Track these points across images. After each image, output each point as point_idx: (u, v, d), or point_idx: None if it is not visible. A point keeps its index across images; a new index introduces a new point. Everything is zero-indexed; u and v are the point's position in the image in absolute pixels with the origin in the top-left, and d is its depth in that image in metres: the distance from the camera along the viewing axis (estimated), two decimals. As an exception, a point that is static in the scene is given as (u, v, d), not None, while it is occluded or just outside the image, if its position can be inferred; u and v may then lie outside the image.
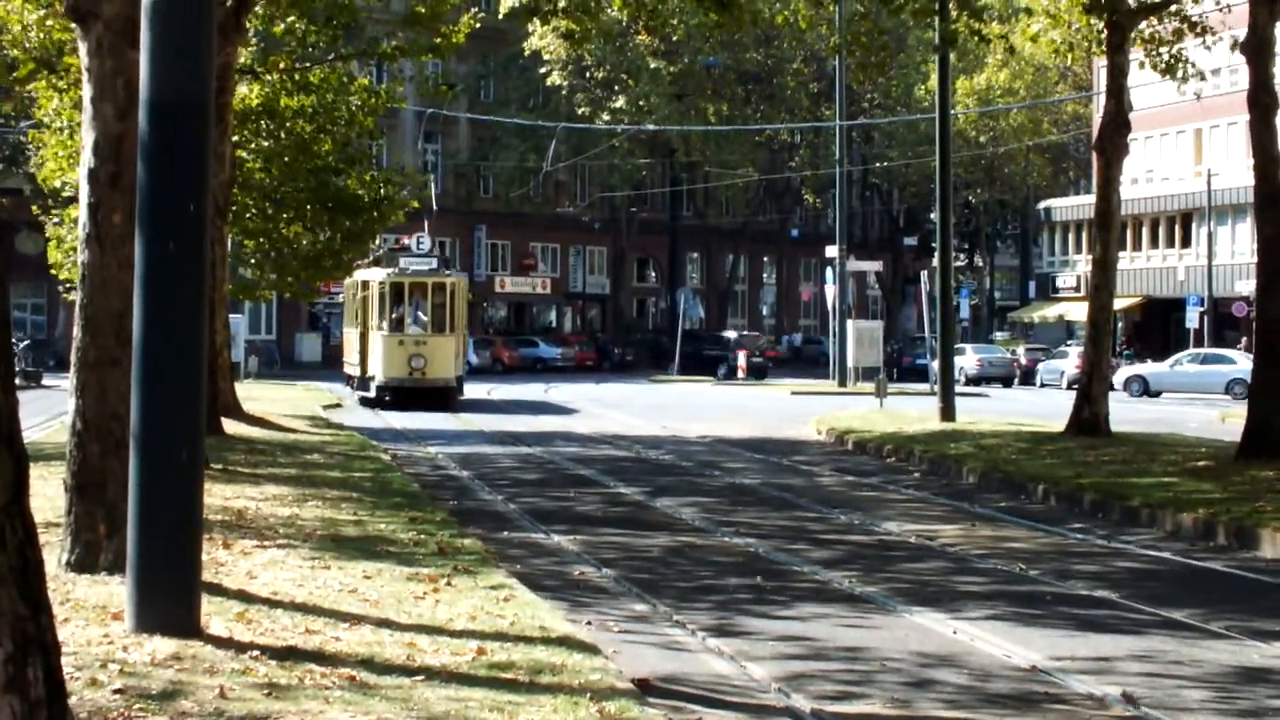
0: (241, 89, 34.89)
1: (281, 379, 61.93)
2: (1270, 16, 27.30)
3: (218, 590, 11.86)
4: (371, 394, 45.10)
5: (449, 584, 12.96)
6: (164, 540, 10.29)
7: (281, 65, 35.14)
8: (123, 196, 12.18)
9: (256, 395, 42.23)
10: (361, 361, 46.91)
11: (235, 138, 33.93)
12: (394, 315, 44.94)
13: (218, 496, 17.90)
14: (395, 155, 54.51)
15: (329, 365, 76.77)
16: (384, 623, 11.17)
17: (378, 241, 49.08)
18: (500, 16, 38.90)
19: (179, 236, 10.24)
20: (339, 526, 16.62)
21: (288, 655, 9.82)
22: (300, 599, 11.97)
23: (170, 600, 10.22)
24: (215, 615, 10.83)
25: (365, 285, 46.98)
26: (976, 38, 30.83)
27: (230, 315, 37.62)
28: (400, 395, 43.91)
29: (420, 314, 45.06)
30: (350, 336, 51.68)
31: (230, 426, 29.34)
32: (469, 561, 14.32)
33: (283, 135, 38.18)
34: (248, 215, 39.58)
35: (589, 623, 12.37)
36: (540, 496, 22.54)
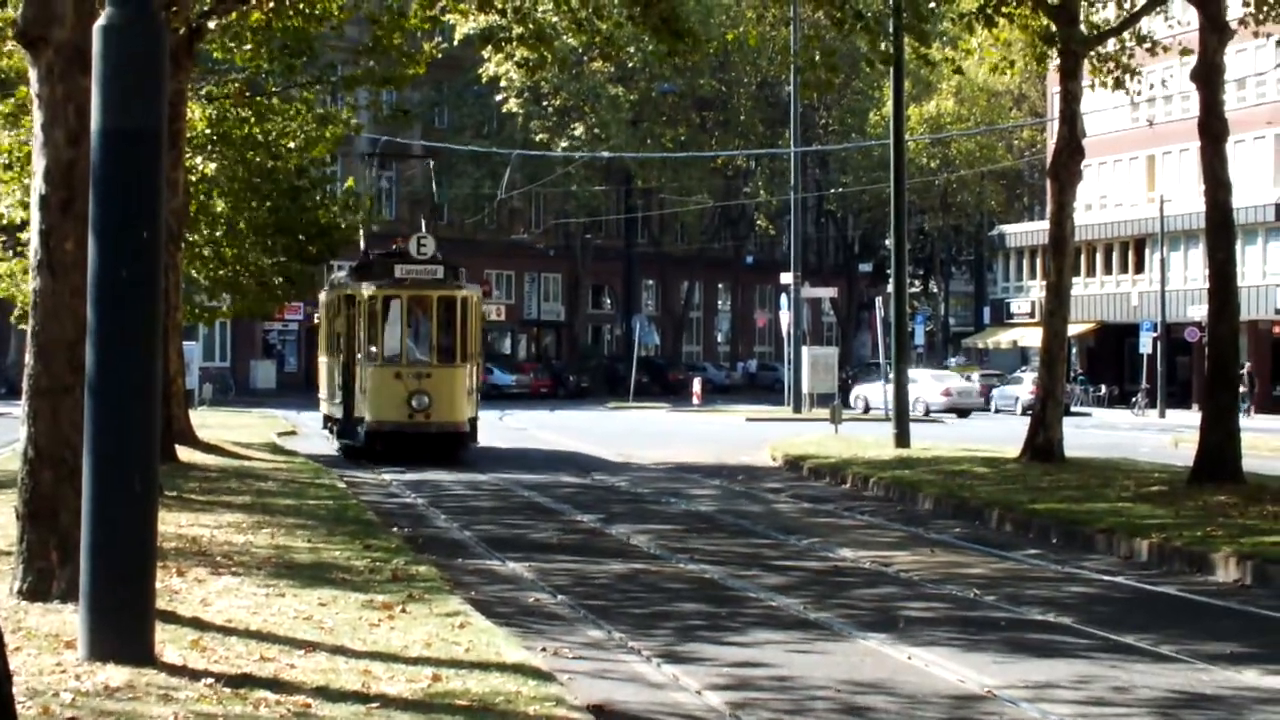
0: (195, 114, 34.79)
1: (236, 406, 61.69)
2: (1220, 44, 27.53)
3: (172, 618, 11.80)
4: (359, 441, 34.93)
5: (404, 611, 12.93)
6: (117, 568, 10.23)
7: (238, 90, 35.09)
8: (75, 223, 12.13)
9: (211, 423, 42.04)
10: (345, 399, 35.95)
11: (189, 165, 33.84)
12: (388, 339, 35.07)
13: (172, 524, 17.82)
14: (350, 180, 54.52)
15: (283, 392, 76.69)
16: (339, 650, 11.13)
17: (363, 243, 43.10)
18: (455, 43, 39.00)
19: (132, 263, 10.21)
20: (294, 554, 16.58)
21: (242, 683, 9.78)
22: (255, 626, 11.92)
23: (124, 628, 10.16)
24: (169, 643, 10.77)
25: (349, 300, 35.91)
26: (925, 63, 30.97)
27: (184, 342, 37.45)
28: (398, 444, 34.15)
29: (423, 337, 35.34)
30: (328, 367, 39.84)
31: (185, 454, 29.23)
32: (424, 588, 14.29)
33: (237, 162, 38.05)
34: (202, 241, 39.44)
35: (544, 649, 12.35)
36: (495, 524, 22.48)
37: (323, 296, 42.51)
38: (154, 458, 10.45)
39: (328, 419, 40.68)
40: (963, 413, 68.72)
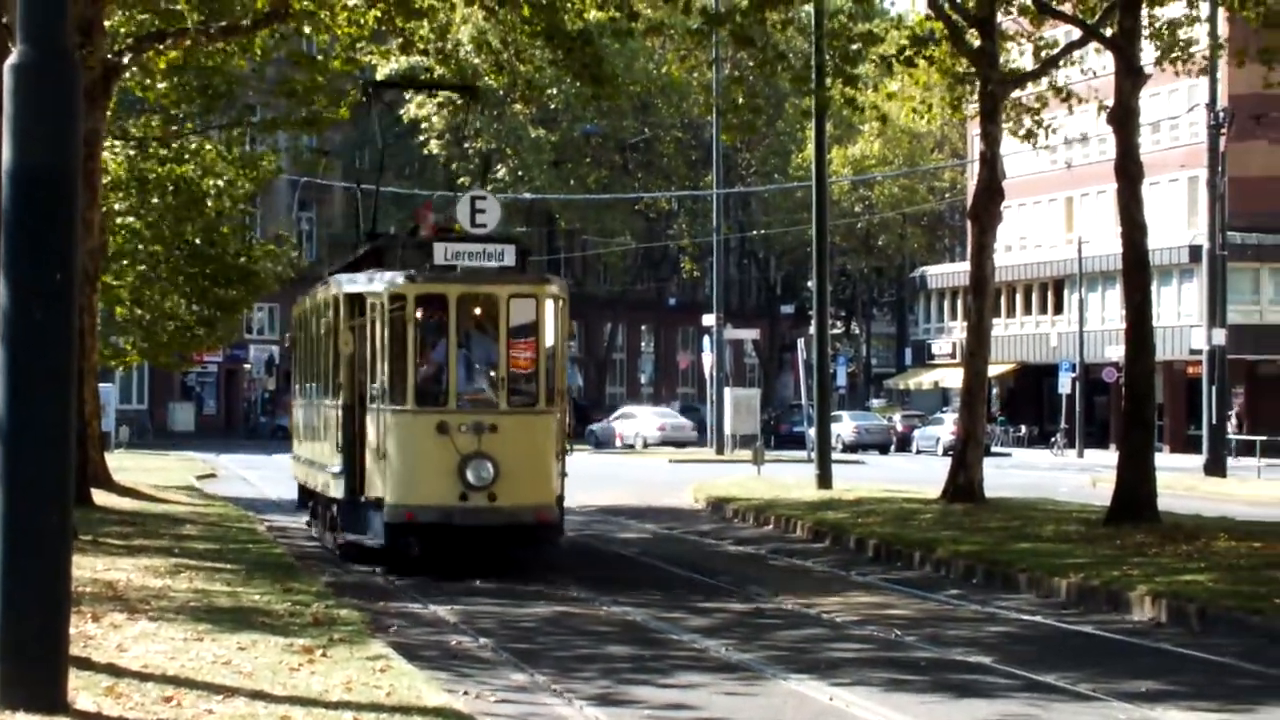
0: (111, 156, 34.55)
1: (154, 449, 61.14)
2: (1134, 88, 27.81)
3: (86, 664, 11.62)
4: (375, 536, 21.45)
5: (325, 655, 12.79)
6: (30, 614, 10.04)
7: (156, 133, 34.89)
8: (-14, 264, 11.95)
9: (128, 465, 41.61)
10: (347, 468, 22.15)
11: (106, 207, 33.58)
12: (423, 366, 21.52)
13: (87, 569, 17.59)
14: (270, 224, 54.29)
15: (202, 435, 76.28)
16: (258, 695, 11.00)
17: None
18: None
19: (45, 305, 10.06)
20: (213, 598, 16.38)
21: (157, 730, 9.63)
22: (172, 672, 11.76)
23: (35, 676, 9.96)
24: (83, 690, 10.60)
25: (354, 304, 22.30)
26: (850, 106, 31.15)
27: (100, 384, 37.04)
28: (442, 542, 21.25)
29: (484, 364, 21.76)
30: (316, 416, 25.41)
31: (101, 497, 28.90)
32: (346, 632, 14.15)
33: (155, 203, 37.77)
34: (119, 283, 39.11)
35: (466, 693, 12.25)
36: (417, 566, 22.27)
37: (298, 310, 28.69)
38: (68, 500, 10.29)
39: (308, 495, 26.82)
40: (883, 449, 68.91)
